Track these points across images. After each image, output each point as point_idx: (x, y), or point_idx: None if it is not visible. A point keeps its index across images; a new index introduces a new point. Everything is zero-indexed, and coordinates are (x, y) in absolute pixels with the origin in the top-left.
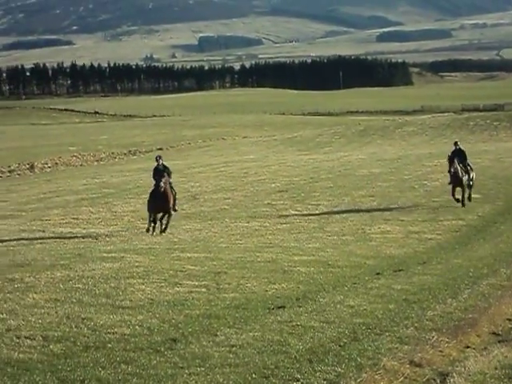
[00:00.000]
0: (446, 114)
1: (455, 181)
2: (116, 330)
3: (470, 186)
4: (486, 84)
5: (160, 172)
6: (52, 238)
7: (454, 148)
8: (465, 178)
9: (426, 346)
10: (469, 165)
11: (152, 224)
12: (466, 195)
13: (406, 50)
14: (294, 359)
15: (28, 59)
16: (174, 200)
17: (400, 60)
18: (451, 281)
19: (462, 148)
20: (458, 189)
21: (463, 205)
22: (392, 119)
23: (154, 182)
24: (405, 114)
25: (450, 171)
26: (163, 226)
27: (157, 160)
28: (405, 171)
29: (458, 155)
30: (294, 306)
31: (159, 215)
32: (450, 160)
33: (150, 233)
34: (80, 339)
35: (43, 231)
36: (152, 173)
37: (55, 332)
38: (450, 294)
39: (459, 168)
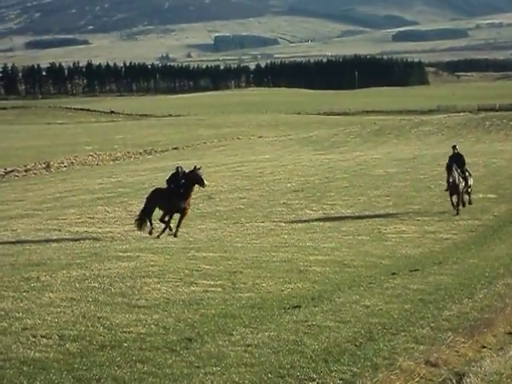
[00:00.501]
0: (462, 114)
1: (454, 190)
2: (132, 329)
3: (468, 193)
4: (503, 84)
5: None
6: (68, 237)
7: (452, 152)
8: (461, 185)
9: (442, 346)
10: (467, 170)
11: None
12: (467, 201)
13: (422, 50)
14: (310, 359)
15: (44, 59)
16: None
17: (416, 59)
18: (467, 281)
19: (461, 153)
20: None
21: (457, 213)
22: (408, 119)
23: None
24: (421, 114)
25: (448, 181)
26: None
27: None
28: (420, 171)
29: (456, 160)
30: (310, 305)
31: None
32: (449, 168)
33: (166, 233)
34: (96, 338)
35: (59, 230)
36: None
37: (71, 331)
38: (466, 294)
39: (457, 176)
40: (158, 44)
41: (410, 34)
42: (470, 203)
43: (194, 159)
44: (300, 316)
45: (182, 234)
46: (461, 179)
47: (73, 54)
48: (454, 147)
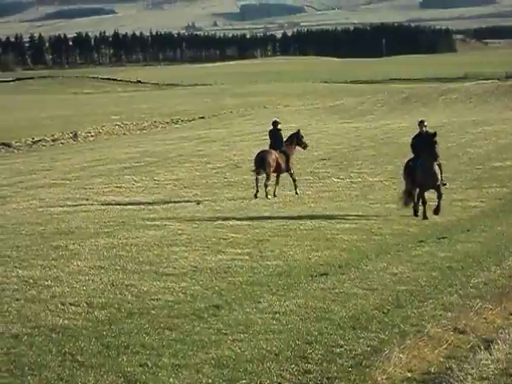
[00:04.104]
0: (490, 81)
1: (426, 180)
2: (160, 296)
3: (439, 194)
4: None
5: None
6: (96, 206)
7: (419, 130)
8: (438, 175)
9: (470, 313)
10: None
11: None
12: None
13: (450, 17)
14: (338, 326)
15: (71, 28)
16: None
17: (443, 27)
18: (495, 248)
19: (430, 131)
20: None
21: (425, 216)
22: (435, 86)
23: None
24: (448, 81)
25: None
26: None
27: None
28: (449, 138)
29: (425, 142)
30: (337, 273)
31: None
32: (416, 150)
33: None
34: (124, 306)
35: (87, 199)
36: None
37: (99, 299)
38: (494, 262)
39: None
40: (184, 13)
41: (438, 0)
42: (437, 211)
43: (221, 128)
44: (327, 283)
45: (208, 203)
46: (437, 166)
47: (99, 24)
48: (421, 123)
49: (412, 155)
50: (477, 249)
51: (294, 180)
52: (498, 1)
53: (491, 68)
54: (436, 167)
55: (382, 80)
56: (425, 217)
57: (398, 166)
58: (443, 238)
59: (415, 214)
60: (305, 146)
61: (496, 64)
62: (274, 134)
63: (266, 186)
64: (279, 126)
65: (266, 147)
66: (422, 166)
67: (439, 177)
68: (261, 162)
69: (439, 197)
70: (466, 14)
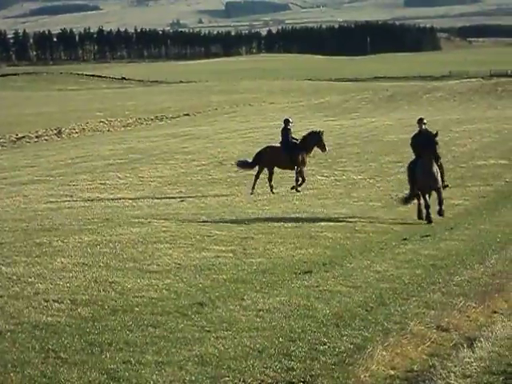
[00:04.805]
0: (475, 80)
1: (427, 183)
2: (143, 293)
3: (439, 195)
4: None
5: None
6: (80, 202)
7: (418, 129)
8: (439, 177)
9: (453, 311)
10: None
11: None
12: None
13: (435, 15)
14: (321, 323)
15: (55, 24)
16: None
17: (428, 25)
18: (478, 246)
19: (430, 129)
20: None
21: (430, 220)
22: (420, 85)
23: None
24: (433, 80)
25: (411, 173)
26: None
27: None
28: None
29: (425, 141)
30: (321, 270)
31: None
32: (418, 149)
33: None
34: (108, 303)
35: (71, 196)
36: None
37: (83, 295)
38: (477, 260)
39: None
40: (169, 10)
41: None
42: (440, 213)
43: (206, 125)
44: (311, 281)
45: (192, 200)
46: (437, 168)
47: (84, 20)
48: (420, 121)
49: (413, 156)
50: (460, 247)
51: (297, 180)
52: None
53: (475, 66)
54: (436, 169)
55: (366, 78)
56: (429, 220)
57: (382, 164)
58: (427, 236)
59: (419, 216)
60: (323, 149)
61: (480, 62)
62: (284, 131)
63: (255, 178)
64: (290, 125)
65: (251, 145)
66: (421, 167)
67: (439, 179)
68: (256, 156)
69: (440, 202)
70: (450, 12)
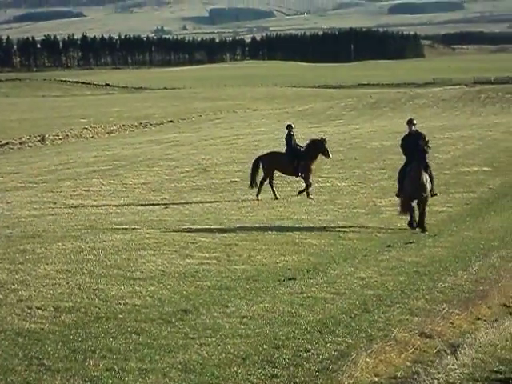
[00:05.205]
0: (458, 87)
1: (416, 191)
2: (127, 300)
3: (424, 204)
4: (498, 57)
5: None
6: (63, 209)
7: (408, 130)
8: (428, 185)
9: (437, 318)
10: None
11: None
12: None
13: (418, 23)
14: (305, 330)
15: (39, 31)
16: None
17: (412, 32)
18: (462, 253)
19: (421, 131)
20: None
21: (414, 226)
22: (403, 92)
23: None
24: (416, 87)
25: (402, 177)
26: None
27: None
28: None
29: (415, 143)
30: (305, 277)
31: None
32: (408, 153)
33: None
34: (91, 310)
35: (54, 203)
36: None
37: (66, 302)
38: (460, 266)
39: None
40: (153, 16)
41: (406, 6)
42: (420, 226)
43: (190, 132)
44: (295, 288)
45: (176, 207)
46: (427, 176)
47: (68, 27)
48: (410, 122)
49: (403, 159)
50: (444, 254)
51: (305, 186)
52: (466, 7)
53: (459, 74)
54: (426, 177)
55: (350, 85)
56: (411, 226)
57: (366, 171)
58: (410, 242)
59: (410, 225)
60: (327, 155)
61: (464, 70)
62: (287, 138)
63: (260, 183)
64: (293, 131)
65: (235, 152)
66: (409, 177)
67: (428, 187)
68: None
69: (421, 214)
70: (434, 19)
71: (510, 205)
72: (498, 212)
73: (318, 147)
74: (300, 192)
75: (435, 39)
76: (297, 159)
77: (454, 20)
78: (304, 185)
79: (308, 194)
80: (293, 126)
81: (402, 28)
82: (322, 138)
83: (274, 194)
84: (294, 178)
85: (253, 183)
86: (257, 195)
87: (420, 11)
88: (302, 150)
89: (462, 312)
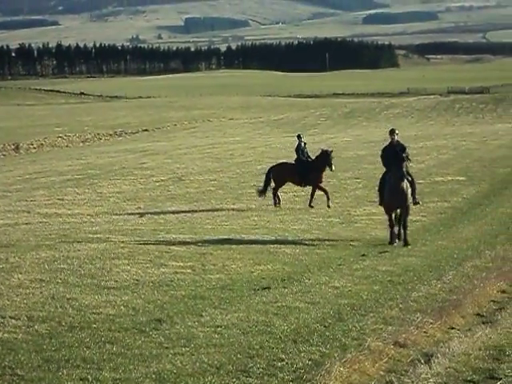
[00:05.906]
0: (432, 97)
1: (397, 200)
2: (101, 310)
3: (406, 214)
4: (472, 67)
5: None
6: (37, 218)
7: (389, 140)
8: (409, 193)
9: (411, 327)
10: (409, 174)
11: None
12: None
13: (393, 32)
14: (279, 339)
15: (13, 39)
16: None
17: (386, 42)
18: (436, 262)
19: (401, 141)
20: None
21: (405, 242)
22: (378, 101)
23: None
24: (391, 97)
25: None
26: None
27: None
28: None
29: (396, 153)
30: (279, 286)
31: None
32: (387, 163)
33: None
34: (65, 319)
35: (28, 212)
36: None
37: (40, 312)
38: (434, 276)
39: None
40: (128, 25)
41: (381, 16)
42: (402, 239)
43: (165, 141)
44: (269, 297)
45: (151, 216)
46: (407, 183)
47: (43, 36)
48: (392, 132)
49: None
50: (418, 263)
51: (312, 195)
52: (440, 17)
53: (433, 83)
54: (406, 185)
55: (325, 94)
56: (391, 240)
57: (341, 180)
58: (384, 252)
59: (391, 239)
60: (330, 167)
61: (438, 79)
62: (298, 149)
63: (273, 194)
64: (303, 140)
65: (210, 161)
66: (389, 182)
67: (409, 196)
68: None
69: (404, 226)
70: (408, 29)
71: (484, 214)
72: (472, 221)
73: (326, 159)
74: (329, 206)
75: (410, 49)
76: (306, 171)
77: (428, 30)
78: (324, 197)
79: (328, 204)
80: (302, 136)
81: (376, 38)
82: (329, 151)
83: (275, 202)
84: (301, 187)
85: (263, 193)
86: (277, 203)
87: (394, 21)
88: (310, 160)
89: (435, 321)
